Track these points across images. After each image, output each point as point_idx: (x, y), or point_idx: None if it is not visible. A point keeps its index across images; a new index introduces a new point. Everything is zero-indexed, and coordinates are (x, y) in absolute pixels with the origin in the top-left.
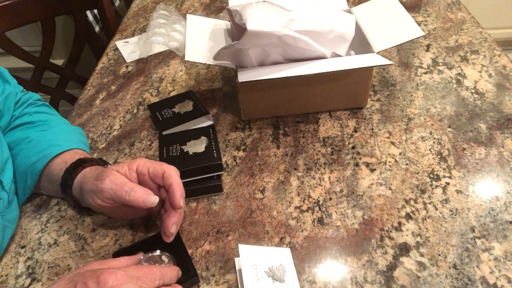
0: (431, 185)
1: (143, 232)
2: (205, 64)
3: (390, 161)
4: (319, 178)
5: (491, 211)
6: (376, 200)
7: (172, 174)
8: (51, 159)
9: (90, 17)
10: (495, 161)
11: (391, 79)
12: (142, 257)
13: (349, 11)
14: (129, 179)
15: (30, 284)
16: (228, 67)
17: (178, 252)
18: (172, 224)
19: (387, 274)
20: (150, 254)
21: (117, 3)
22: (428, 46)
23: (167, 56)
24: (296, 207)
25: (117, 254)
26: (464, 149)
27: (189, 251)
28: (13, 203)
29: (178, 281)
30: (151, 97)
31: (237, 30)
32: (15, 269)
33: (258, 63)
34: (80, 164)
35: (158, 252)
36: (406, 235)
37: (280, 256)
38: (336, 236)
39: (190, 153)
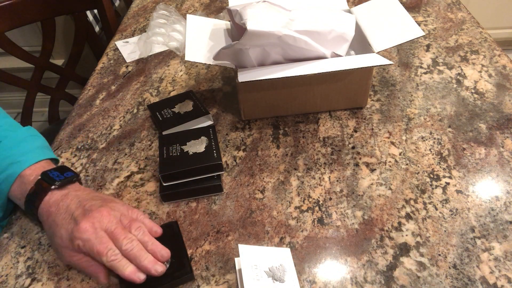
0: (431, 185)
1: None
2: (205, 64)
3: (390, 161)
4: (319, 178)
5: (491, 211)
6: (376, 200)
7: (114, 268)
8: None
9: (90, 17)
10: (495, 161)
11: (391, 79)
12: None
13: (349, 11)
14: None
15: (30, 284)
16: (228, 67)
17: (176, 248)
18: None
19: (387, 274)
20: None
21: (117, 3)
22: (428, 46)
23: (167, 56)
24: (296, 207)
25: None
26: (464, 149)
27: (189, 251)
28: None
29: (174, 277)
30: (151, 97)
31: (237, 30)
32: (15, 269)
33: (258, 63)
34: (32, 204)
35: None
36: (406, 235)
37: (280, 256)
38: (336, 236)
39: (190, 153)
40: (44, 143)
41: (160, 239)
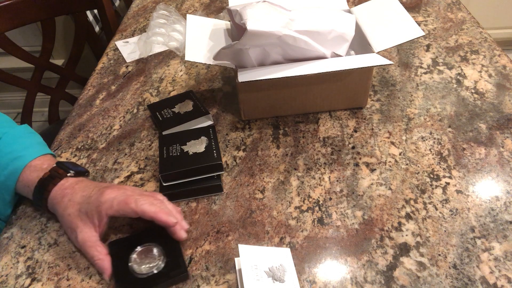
0: (431, 185)
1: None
2: (205, 64)
3: (390, 161)
4: (319, 178)
5: (491, 211)
6: (376, 200)
7: (145, 210)
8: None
9: (90, 17)
10: (495, 161)
11: (391, 79)
12: (136, 249)
13: (349, 11)
14: (97, 230)
15: (30, 284)
16: (228, 67)
17: (171, 247)
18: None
19: (387, 274)
20: (143, 246)
21: (117, 3)
22: (428, 46)
23: (167, 56)
24: (296, 207)
25: (112, 244)
26: (464, 149)
27: (189, 251)
28: None
29: (169, 277)
30: (151, 97)
31: (237, 30)
32: (15, 269)
33: (258, 63)
34: (44, 188)
35: (151, 244)
36: (406, 235)
37: (280, 256)
38: (336, 236)
39: (190, 153)
40: (42, 140)
41: (157, 238)
